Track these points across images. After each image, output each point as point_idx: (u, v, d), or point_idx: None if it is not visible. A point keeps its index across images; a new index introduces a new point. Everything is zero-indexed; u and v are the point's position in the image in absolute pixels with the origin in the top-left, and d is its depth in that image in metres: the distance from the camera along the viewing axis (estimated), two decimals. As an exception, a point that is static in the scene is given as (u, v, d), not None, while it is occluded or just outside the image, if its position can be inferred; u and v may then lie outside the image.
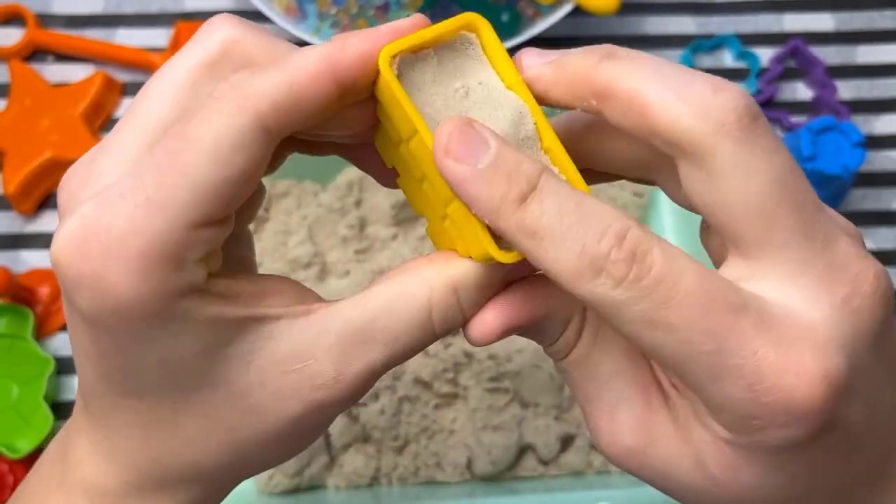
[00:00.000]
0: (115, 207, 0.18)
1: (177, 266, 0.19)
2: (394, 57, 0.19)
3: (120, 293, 0.18)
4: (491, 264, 0.20)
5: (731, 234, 0.19)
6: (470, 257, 0.21)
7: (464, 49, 0.21)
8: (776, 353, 0.17)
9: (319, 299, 0.22)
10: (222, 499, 0.24)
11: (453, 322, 0.21)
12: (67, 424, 0.23)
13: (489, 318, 0.21)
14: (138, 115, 0.20)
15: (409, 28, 0.20)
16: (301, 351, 0.20)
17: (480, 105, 0.20)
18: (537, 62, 0.21)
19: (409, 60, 0.20)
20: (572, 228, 0.18)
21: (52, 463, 0.23)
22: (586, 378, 0.21)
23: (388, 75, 0.19)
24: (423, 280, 0.21)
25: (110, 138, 0.20)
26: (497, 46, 0.21)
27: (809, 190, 0.19)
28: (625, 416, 0.21)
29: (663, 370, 0.21)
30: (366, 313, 0.20)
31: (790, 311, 0.18)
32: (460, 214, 0.20)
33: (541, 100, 0.21)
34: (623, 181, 0.23)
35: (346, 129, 0.21)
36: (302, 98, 0.19)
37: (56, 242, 0.19)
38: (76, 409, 0.23)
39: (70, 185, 0.20)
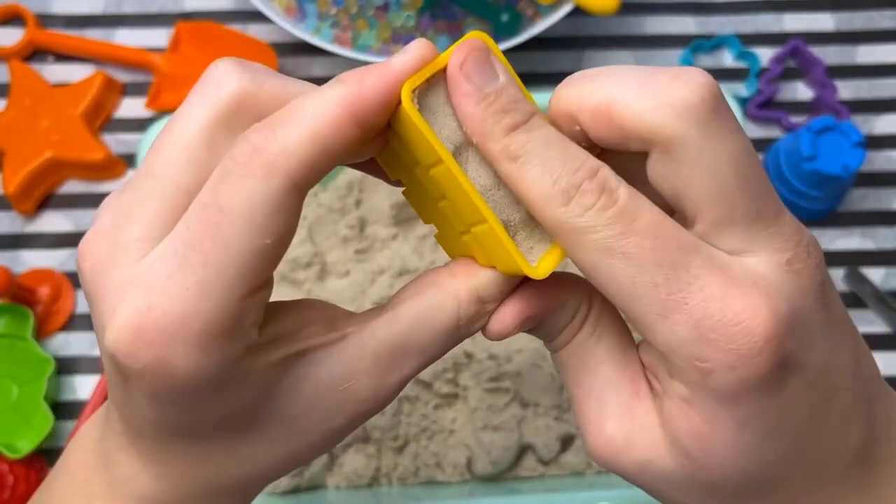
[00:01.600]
0: (166, 292, 0.18)
1: (235, 335, 0.19)
2: (414, 91, 0.19)
3: (185, 374, 0.19)
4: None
5: (691, 214, 0.19)
6: (493, 267, 0.22)
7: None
8: (722, 290, 0.18)
9: (350, 317, 0.22)
10: (254, 497, 0.25)
11: (479, 327, 0.22)
12: (104, 436, 0.23)
13: (507, 313, 0.22)
14: (156, 178, 0.20)
15: (418, 57, 0.20)
16: (343, 374, 0.21)
17: None
18: None
19: (429, 86, 0.20)
20: (552, 158, 0.19)
21: (94, 471, 0.23)
22: (580, 365, 0.22)
23: (412, 111, 0.19)
24: (450, 293, 0.22)
25: (129, 203, 0.20)
26: (503, 62, 0.21)
27: (761, 168, 0.20)
28: (612, 400, 0.21)
29: (618, 307, 0.20)
30: (399, 331, 0.21)
31: (739, 261, 0.19)
32: (490, 237, 0.20)
33: None
34: None
35: (360, 158, 0.21)
36: (327, 148, 0.19)
37: (112, 334, 0.19)
38: (115, 430, 0.23)
39: (94, 255, 0.20)
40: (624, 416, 0.21)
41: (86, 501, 0.23)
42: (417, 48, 0.20)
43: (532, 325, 0.22)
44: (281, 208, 0.18)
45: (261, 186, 0.18)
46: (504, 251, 0.20)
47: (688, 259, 0.18)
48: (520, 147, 0.19)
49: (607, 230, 0.18)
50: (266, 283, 0.20)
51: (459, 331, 0.22)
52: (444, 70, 0.20)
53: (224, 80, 0.20)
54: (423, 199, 0.22)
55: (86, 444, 0.24)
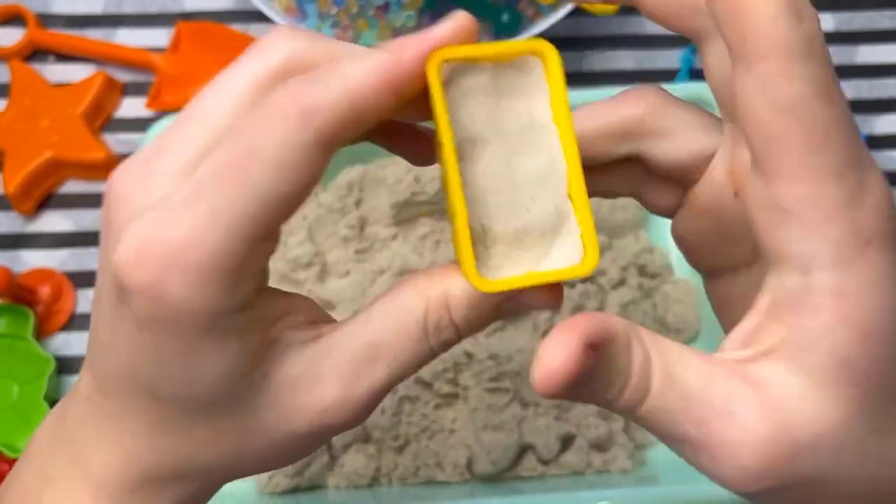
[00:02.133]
0: (176, 217, 0.18)
1: (233, 281, 0.19)
2: (446, 61, 0.19)
3: (176, 304, 0.18)
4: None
5: (778, 150, 0.18)
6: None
7: (524, 71, 0.20)
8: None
9: (331, 320, 0.22)
10: (213, 494, 0.24)
11: (447, 338, 0.21)
12: (65, 411, 0.23)
13: (551, 353, 0.18)
14: (195, 121, 0.20)
15: (457, 28, 0.19)
16: (309, 375, 0.21)
17: (520, 136, 0.20)
18: None
19: (464, 67, 0.20)
20: None
21: (51, 454, 0.23)
22: (683, 406, 0.18)
23: (433, 79, 0.19)
24: (419, 292, 0.21)
25: (166, 141, 0.20)
26: (559, 78, 0.20)
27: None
28: (742, 410, 0.18)
29: (756, 174, 0.18)
30: (369, 332, 0.21)
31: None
32: (457, 234, 0.19)
33: None
34: (627, 200, 0.23)
35: (405, 119, 0.22)
36: (363, 112, 0.19)
37: (118, 251, 0.19)
38: (80, 397, 0.23)
39: (124, 184, 0.20)
40: (761, 405, 0.18)
41: (41, 486, 0.23)
42: (458, 19, 0.19)
43: (581, 387, 0.18)
44: (309, 161, 0.18)
45: (293, 134, 0.18)
46: (460, 251, 0.19)
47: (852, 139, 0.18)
48: None
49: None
50: (272, 236, 0.19)
51: (428, 338, 0.21)
52: (492, 59, 0.19)
53: (279, 40, 0.20)
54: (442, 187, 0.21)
55: (43, 430, 0.24)
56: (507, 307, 0.21)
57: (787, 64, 0.17)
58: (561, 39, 0.54)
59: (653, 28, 0.55)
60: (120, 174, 0.20)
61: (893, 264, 0.18)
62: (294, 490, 0.41)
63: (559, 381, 0.18)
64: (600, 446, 0.41)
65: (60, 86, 0.51)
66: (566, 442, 0.41)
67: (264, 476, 0.41)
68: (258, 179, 0.18)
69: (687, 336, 0.45)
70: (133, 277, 0.19)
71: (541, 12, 0.51)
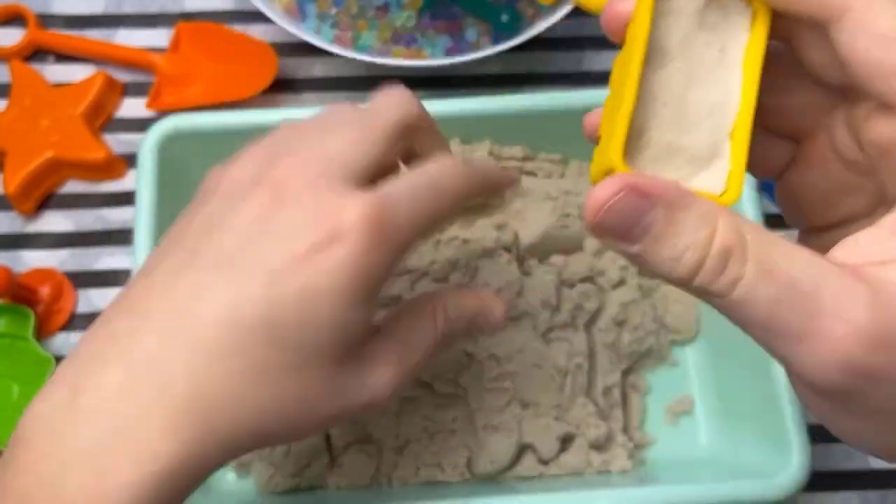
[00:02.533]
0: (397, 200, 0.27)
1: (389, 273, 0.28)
2: None
3: (384, 259, 0.27)
4: None
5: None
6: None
7: (732, 13, 0.21)
8: None
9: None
10: (214, 463, 0.26)
11: (445, 330, 0.31)
12: (92, 384, 0.26)
13: (598, 189, 0.19)
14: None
15: None
16: (373, 360, 0.29)
17: (706, 67, 0.21)
18: None
19: None
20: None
21: (75, 426, 0.25)
22: (789, 298, 0.18)
23: None
24: (431, 315, 0.31)
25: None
26: (764, 29, 0.20)
27: None
28: (852, 306, 0.18)
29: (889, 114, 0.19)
30: (406, 338, 0.30)
31: None
32: (616, 115, 0.20)
33: None
34: None
35: None
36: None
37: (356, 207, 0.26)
38: (138, 361, 0.26)
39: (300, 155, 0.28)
40: (874, 304, 0.18)
41: (60, 468, 0.24)
42: None
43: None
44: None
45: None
46: (614, 131, 0.19)
47: None
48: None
49: None
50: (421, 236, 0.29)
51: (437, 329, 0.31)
52: None
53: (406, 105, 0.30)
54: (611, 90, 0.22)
55: (48, 412, 0.26)
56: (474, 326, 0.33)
57: (871, 3, 0.18)
58: (560, 40, 0.54)
59: (652, 28, 0.55)
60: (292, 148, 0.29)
61: None
62: (294, 490, 0.41)
63: (603, 207, 0.18)
64: (600, 447, 0.42)
65: (61, 86, 0.51)
66: (566, 442, 0.42)
67: (265, 475, 0.41)
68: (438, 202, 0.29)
69: (686, 336, 0.45)
70: (362, 232, 0.26)
71: (540, 12, 0.51)
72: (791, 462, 0.36)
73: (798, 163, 0.23)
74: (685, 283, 0.19)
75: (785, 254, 0.19)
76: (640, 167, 0.20)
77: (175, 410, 0.24)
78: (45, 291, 0.47)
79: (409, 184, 0.28)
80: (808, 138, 0.23)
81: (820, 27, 0.20)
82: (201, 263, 0.26)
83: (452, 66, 0.49)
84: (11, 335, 0.45)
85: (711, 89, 0.21)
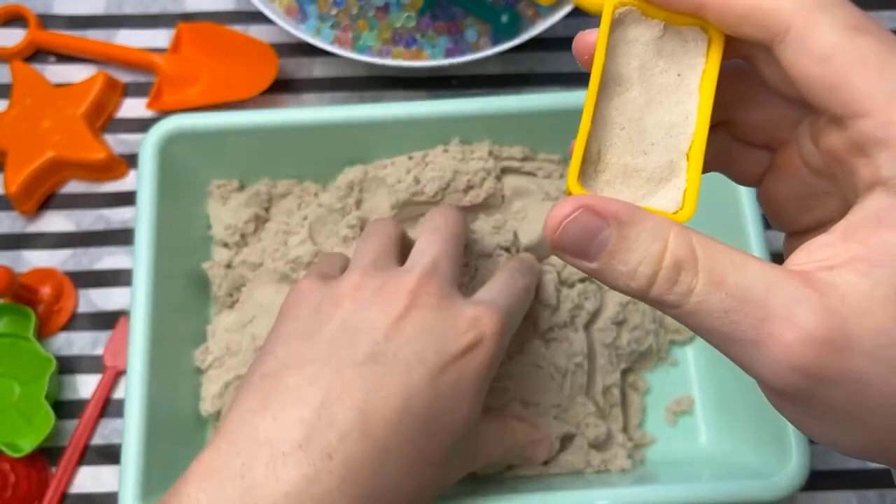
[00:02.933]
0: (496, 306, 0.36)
1: None
2: (621, 3, 0.21)
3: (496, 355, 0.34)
4: None
5: (848, 97, 0.19)
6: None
7: (687, 41, 0.22)
8: None
9: None
10: None
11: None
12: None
13: (557, 208, 0.20)
14: None
15: None
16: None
17: (663, 92, 0.22)
18: None
19: (639, 19, 0.22)
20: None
21: None
22: (739, 307, 0.19)
23: (606, 16, 0.21)
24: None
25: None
26: (718, 56, 0.22)
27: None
28: (802, 311, 0.19)
29: (840, 123, 0.20)
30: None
31: None
32: (575, 143, 0.21)
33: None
34: None
35: None
36: None
37: (492, 322, 0.34)
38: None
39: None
40: (822, 308, 0.18)
41: None
42: None
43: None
44: None
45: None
46: (572, 161, 0.21)
47: None
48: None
49: (850, 9, 0.20)
50: None
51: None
52: (663, 18, 0.21)
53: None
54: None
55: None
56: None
57: (809, 21, 0.19)
58: (560, 40, 0.54)
59: (652, 29, 0.55)
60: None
61: None
62: (294, 489, 0.41)
63: (560, 226, 0.20)
64: (600, 446, 0.42)
65: (62, 86, 0.51)
66: (566, 441, 0.42)
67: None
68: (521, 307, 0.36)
69: (685, 336, 0.45)
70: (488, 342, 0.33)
71: (540, 13, 0.51)
72: (790, 461, 0.36)
73: (774, 170, 0.24)
74: (641, 296, 0.20)
75: (736, 264, 0.19)
76: (598, 189, 0.21)
77: (360, 498, 0.28)
78: (45, 291, 0.47)
79: (515, 293, 0.37)
80: (782, 148, 0.24)
81: (767, 47, 0.20)
82: (357, 359, 0.31)
83: (452, 66, 0.49)
84: (12, 335, 0.45)
85: (668, 113, 0.21)
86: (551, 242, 0.20)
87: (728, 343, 0.20)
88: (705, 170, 0.24)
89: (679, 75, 0.22)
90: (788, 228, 0.25)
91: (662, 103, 0.22)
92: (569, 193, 0.21)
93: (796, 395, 0.19)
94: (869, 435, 0.20)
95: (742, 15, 0.20)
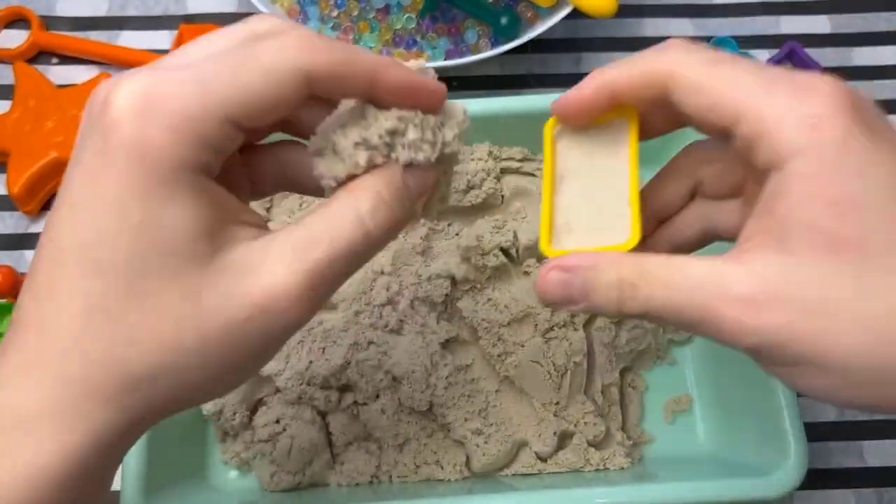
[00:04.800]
0: (167, 75, 0.22)
1: (202, 142, 0.22)
2: (557, 124, 0.28)
3: (151, 140, 0.21)
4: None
5: (724, 112, 0.24)
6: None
7: (612, 128, 0.28)
8: (803, 74, 0.23)
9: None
10: (146, 428, 0.23)
11: (382, 216, 0.24)
12: None
13: (541, 275, 0.26)
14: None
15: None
16: (253, 260, 0.23)
17: (606, 167, 0.28)
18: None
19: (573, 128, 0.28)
20: None
21: None
22: (687, 299, 0.23)
23: (547, 136, 0.29)
24: (349, 191, 0.24)
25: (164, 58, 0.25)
26: (635, 128, 0.28)
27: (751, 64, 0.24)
28: (733, 284, 0.22)
29: (732, 136, 0.24)
30: (307, 226, 0.23)
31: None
32: (541, 223, 0.28)
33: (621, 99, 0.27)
34: None
35: None
36: (345, 78, 0.23)
37: (118, 94, 0.22)
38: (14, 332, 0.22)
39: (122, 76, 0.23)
40: (748, 277, 0.22)
41: None
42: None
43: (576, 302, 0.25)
44: (293, 81, 0.22)
45: (290, 56, 0.22)
46: (541, 233, 0.28)
47: (769, 66, 0.24)
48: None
49: (709, 51, 0.25)
50: (238, 128, 0.23)
51: (363, 221, 0.23)
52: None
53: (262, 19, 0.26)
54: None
55: None
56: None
57: (680, 67, 0.25)
58: (558, 41, 0.54)
59: (650, 30, 0.55)
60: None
61: (857, 139, 0.22)
62: (296, 487, 0.41)
63: (549, 282, 0.25)
64: (598, 444, 0.42)
65: (64, 87, 0.52)
66: (564, 439, 0.42)
67: (267, 473, 0.41)
68: (247, 77, 0.22)
69: (684, 335, 0.45)
70: (126, 116, 0.21)
71: (539, 15, 0.52)
72: (788, 460, 0.37)
73: (747, 209, 0.28)
74: (620, 316, 0.26)
75: (678, 267, 0.24)
76: (570, 246, 0.27)
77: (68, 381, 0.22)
78: (48, 291, 0.47)
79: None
80: (745, 187, 0.28)
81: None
82: None
83: (452, 67, 0.49)
84: (15, 334, 0.45)
85: (612, 181, 0.28)
86: (544, 302, 0.26)
87: (692, 327, 0.23)
88: (697, 247, 0.30)
89: (614, 154, 0.28)
90: None
91: (606, 176, 0.28)
92: (543, 256, 0.27)
93: (757, 352, 0.23)
94: (831, 376, 0.22)
95: (642, 82, 0.25)
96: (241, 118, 0.22)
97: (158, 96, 0.22)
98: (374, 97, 0.25)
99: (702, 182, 0.29)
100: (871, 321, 0.21)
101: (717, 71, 0.24)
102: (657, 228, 0.31)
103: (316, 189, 0.26)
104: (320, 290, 0.23)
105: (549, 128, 0.28)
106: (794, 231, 0.22)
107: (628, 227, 0.27)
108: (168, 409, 0.23)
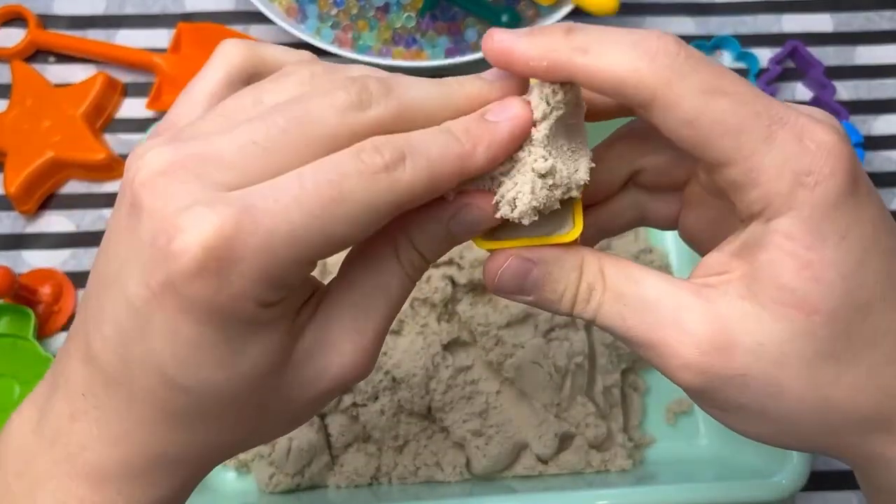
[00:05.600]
0: (260, 221, 0.19)
1: (281, 287, 0.20)
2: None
3: (226, 300, 0.19)
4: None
5: (714, 153, 0.22)
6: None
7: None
8: (806, 119, 0.21)
9: (319, 283, 0.24)
10: (210, 470, 0.25)
11: (417, 263, 0.24)
12: (46, 415, 0.23)
13: (499, 256, 0.24)
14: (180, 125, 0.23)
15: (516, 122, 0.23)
16: (322, 342, 0.23)
17: (560, 157, 0.24)
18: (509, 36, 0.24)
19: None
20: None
21: (35, 455, 0.23)
22: (636, 315, 0.23)
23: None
24: (387, 242, 0.24)
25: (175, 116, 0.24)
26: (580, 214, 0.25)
27: (743, 84, 0.22)
28: (689, 317, 0.22)
29: (719, 152, 0.22)
30: (357, 288, 0.23)
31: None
32: None
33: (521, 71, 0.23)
34: None
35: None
36: (434, 191, 0.22)
37: (191, 232, 0.19)
38: (72, 394, 0.23)
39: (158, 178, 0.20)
40: (707, 314, 0.21)
41: (29, 489, 0.23)
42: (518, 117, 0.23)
43: (525, 287, 0.24)
44: (378, 219, 0.21)
45: (381, 194, 0.20)
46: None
47: (771, 100, 0.22)
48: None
49: (702, 73, 0.21)
50: (313, 262, 0.21)
51: (403, 269, 0.24)
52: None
53: (231, 52, 0.24)
54: None
55: (21, 432, 0.24)
56: (453, 225, 0.23)
57: (669, 92, 0.21)
58: (560, 40, 0.54)
59: (652, 28, 0.55)
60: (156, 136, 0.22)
61: (846, 202, 0.21)
62: (295, 489, 0.41)
63: (497, 274, 0.24)
64: (599, 446, 0.42)
65: (61, 86, 0.51)
66: (565, 441, 0.42)
67: (265, 475, 0.41)
68: (334, 226, 0.20)
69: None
70: (197, 268, 0.19)
71: (540, 13, 0.51)
72: (790, 462, 0.36)
73: (685, 206, 0.27)
74: (566, 313, 0.24)
75: (634, 279, 0.23)
76: (505, 238, 0.24)
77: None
78: (45, 291, 0.47)
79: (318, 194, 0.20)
80: (687, 185, 0.27)
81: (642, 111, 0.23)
82: None
83: (452, 66, 0.49)
84: (12, 335, 0.45)
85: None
86: (492, 288, 0.24)
87: (635, 346, 0.23)
88: (624, 226, 0.28)
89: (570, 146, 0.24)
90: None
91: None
92: (482, 246, 0.24)
93: (698, 392, 0.22)
94: (773, 424, 0.22)
95: (611, 87, 0.22)
96: (319, 258, 0.21)
97: (243, 250, 0.19)
98: (464, 177, 0.22)
99: (640, 171, 0.27)
100: (824, 384, 0.21)
101: (714, 106, 0.21)
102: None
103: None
104: (381, 343, 0.24)
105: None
106: (765, 283, 0.21)
107: (570, 217, 0.24)
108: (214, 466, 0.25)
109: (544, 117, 0.23)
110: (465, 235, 0.24)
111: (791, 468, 0.36)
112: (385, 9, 0.52)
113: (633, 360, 0.44)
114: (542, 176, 0.23)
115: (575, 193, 0.24)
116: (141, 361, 0.21)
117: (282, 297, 0.21)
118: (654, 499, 0.36)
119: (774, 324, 0.21)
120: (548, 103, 0.22)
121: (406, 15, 0.52)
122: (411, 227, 0.23)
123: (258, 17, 0.51)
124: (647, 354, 0.23)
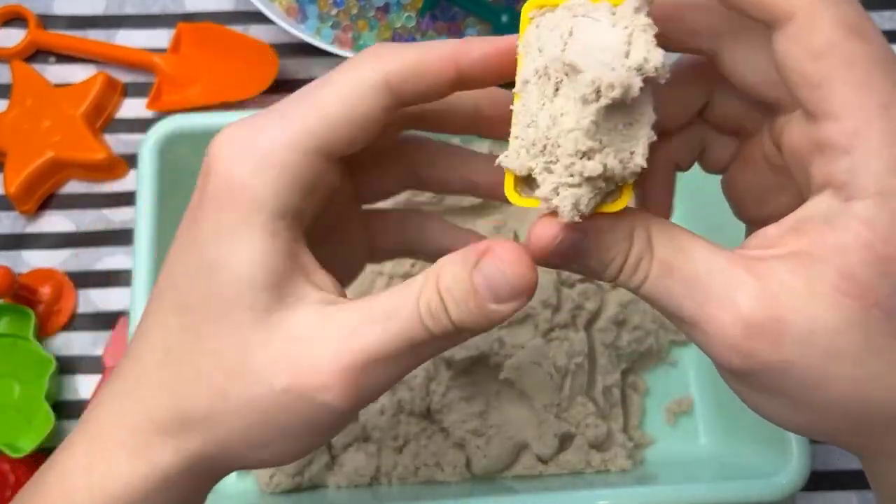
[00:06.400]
0: (256, 120, 0.23)
1: (286, 180, 0.22)
2: (541, 8, 0.22)
3: (235, 179, 0.22)
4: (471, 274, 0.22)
5: (826, 98, 0.19)
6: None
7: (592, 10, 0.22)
8: None
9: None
10: (218, 477, 0.25)
11: (444, 325, 0.22)
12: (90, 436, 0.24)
13: (544, 225, 0.22)
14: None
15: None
16: (312, 328, 0.22)
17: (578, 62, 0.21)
18: None
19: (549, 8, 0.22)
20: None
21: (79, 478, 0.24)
22: (684, 289, 0.21)
23: (524, 18, 0.22)
24: (415, 280, 0.23)
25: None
26: None
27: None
28: (740, 297, 0.20)
29: (809, 120, 0.20)
30: (369, 307, 0.22)
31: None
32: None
33: None
34: None
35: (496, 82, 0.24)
36: (426, 72, 0.23)
37: (220, 132, 0.23)
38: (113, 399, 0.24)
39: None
40: (759, 295, 0.20)
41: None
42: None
43: (573, 256, 0.22)
44: (371, 95, 0.23)
45: (362, 74, 0.23)
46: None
47: None
48: None
49: (852, 7, 0.20)
50: (330, 160, 0.23)
51: (422, 319, 0.22)
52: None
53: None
54: None
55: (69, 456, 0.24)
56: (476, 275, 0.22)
57: (812, 14, 0.19)
58: (560, 40, 0.54)
59: (652, 29, 0.55)
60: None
61: None
62: (295, 489, 0.41)
63: (551, 245, 0.22)
64: (599, 446, 0.42)
65: (61, 86, 0.51)
66: (565, 441, 0.42)
67: (265, 475, 0.41)
68: (324, 102, 0.22)
69: (685, 336, 0.45)
70: (217, 159, 0.23)
71: (540, 13, 0.51)
72: (790, 462, 0.36)
73: (738, 162, 0.26)
74: (612, 281, 0.23)
75: (684, 250, 0.21)
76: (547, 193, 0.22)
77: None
78: (45, 291, 0.47)
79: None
80: (747, 140, 0.25)
81: (753, 39, 0.21)
82: None
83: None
84: (12, 335, 0.45)
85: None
86: (541, 259, 0.22)
87: (679, 322, 0.22)
88: (684, 162, 0.26)
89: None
90: (747, 219, 0.27)
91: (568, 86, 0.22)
92: (509, 198, 0.22)
93: (737, 373, 0.21)
94: (808, 414, 0.21)
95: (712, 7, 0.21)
96: (327, 146, 0.23)
97: (247, 137, 0.23)
98: (466, 79, 0.24)
99: (712, 105, 0.25)
100: (867, 381, 0.20)
101: (850, 47, 0.19)
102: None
103: (435, 256, 0.24)
104: (363, 384, 0.22)
105: (525, 13, 0.22)
106: (828, 268, 0.20)
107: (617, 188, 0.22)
108: (225, 459, 0.24)
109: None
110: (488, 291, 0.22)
111: (791, 468, 0.36)
112: (385, 9, 0.52)
113: (633, 360, 0.44)
114: (589, 179, 0.21)
115: (629, 181, 0.21)
116: (168, 277, 0.24)
117: (291, 204, 0.22)
118: (654, 499, 0.36)
119: (829, 312, 0.20)
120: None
121: (406, 15, 0.52)
122: (442, 272, 0.22)
123: (258, 17, 0.51)
124: (690, 332, 0.21)
